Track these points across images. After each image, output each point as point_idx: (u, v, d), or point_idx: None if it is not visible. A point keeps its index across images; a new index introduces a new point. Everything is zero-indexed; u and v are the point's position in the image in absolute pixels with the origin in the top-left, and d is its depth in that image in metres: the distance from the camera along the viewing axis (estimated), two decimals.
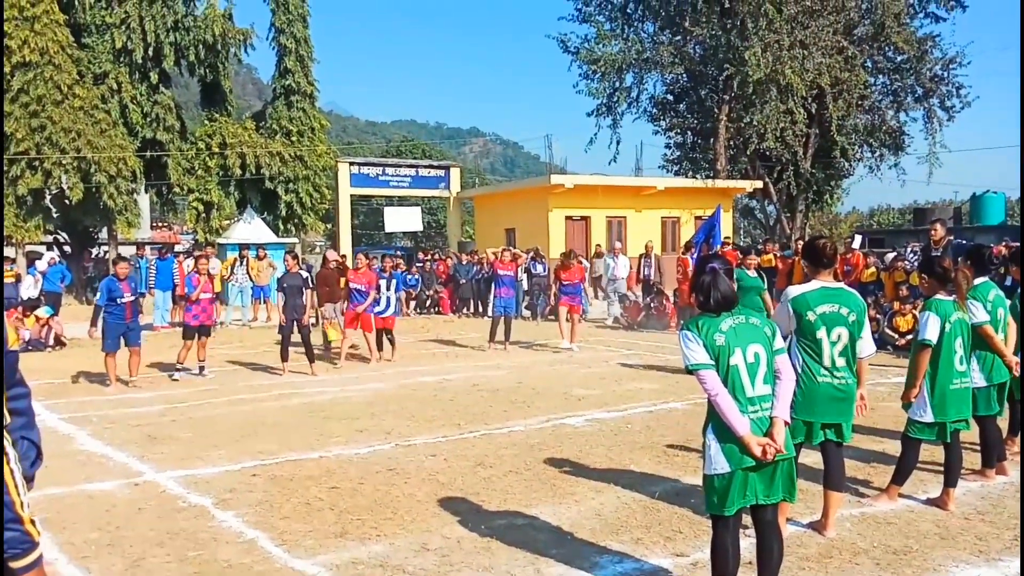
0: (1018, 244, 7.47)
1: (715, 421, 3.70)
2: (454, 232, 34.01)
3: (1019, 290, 6.71)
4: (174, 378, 11.52)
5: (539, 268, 20.77)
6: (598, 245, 24.24)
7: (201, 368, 11.92)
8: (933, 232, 12.45)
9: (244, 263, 19.82)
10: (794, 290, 4.84)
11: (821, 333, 4.69)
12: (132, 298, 11.10)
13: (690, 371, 3.70)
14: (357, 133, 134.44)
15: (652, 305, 18.07)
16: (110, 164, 24.40)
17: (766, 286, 9.83)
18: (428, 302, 23.05)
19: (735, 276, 8.91)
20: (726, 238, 20.94)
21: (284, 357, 12.05)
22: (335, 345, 13.76)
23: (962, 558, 4.52)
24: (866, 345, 4.82)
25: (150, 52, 25.98)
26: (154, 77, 26.46)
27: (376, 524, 5.25)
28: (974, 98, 31.30)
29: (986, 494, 5.69)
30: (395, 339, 13.59)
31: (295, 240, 27.86)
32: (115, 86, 25.75)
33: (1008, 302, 6.25)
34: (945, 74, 31.13)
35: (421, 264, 24.53)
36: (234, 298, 19.86)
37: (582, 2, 32.61)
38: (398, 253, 33.83)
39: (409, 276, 23.18)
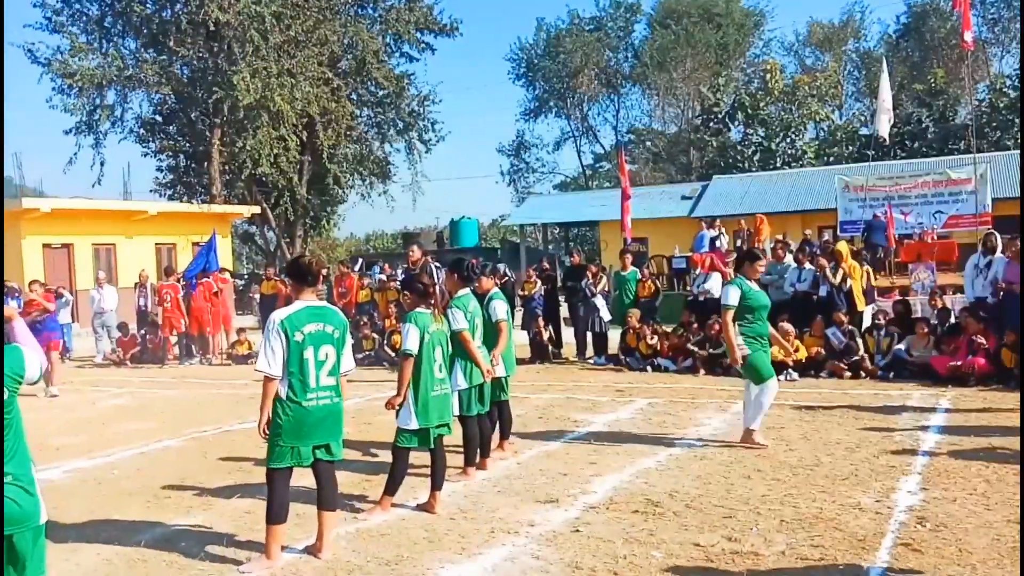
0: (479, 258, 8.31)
1: None
2: None
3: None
4: None
5: (12, 303, 18.03)
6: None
7: None
8: (411, 253, 13.42)
9: None
10: (280, 313, 4.68)
11: (308, 353, 4.61)
12: None
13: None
14: None
15: (147, 337, 16.72)
16: None
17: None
18: None
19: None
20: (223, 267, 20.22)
21: None
22: None
23: (448, 558, 4.73)
24: (347, 361, 4.86)
25: None
26: None
27: None
28: (447, 133, 35.09)
29: (468, 493, 6.09)
30: None
31: None
32: None
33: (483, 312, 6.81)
34: (421, 110, 34.16)
35: None
36: None
37: (52, 11, 29.18)
38: None
39: None
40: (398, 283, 15.40)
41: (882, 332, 11.33)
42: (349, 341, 4.93)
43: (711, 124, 41.80)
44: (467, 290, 6.64)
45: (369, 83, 32.83)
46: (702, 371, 11.91)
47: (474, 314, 6.50)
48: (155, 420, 9.87)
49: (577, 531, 5.14)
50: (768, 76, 40.46)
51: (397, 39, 33.37)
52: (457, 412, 6.24)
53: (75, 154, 30.15)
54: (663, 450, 7.20)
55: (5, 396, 3.14)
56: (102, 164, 30.55)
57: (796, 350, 11.24)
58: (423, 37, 33.72)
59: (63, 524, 5.63)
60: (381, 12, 32.90)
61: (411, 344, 5.44)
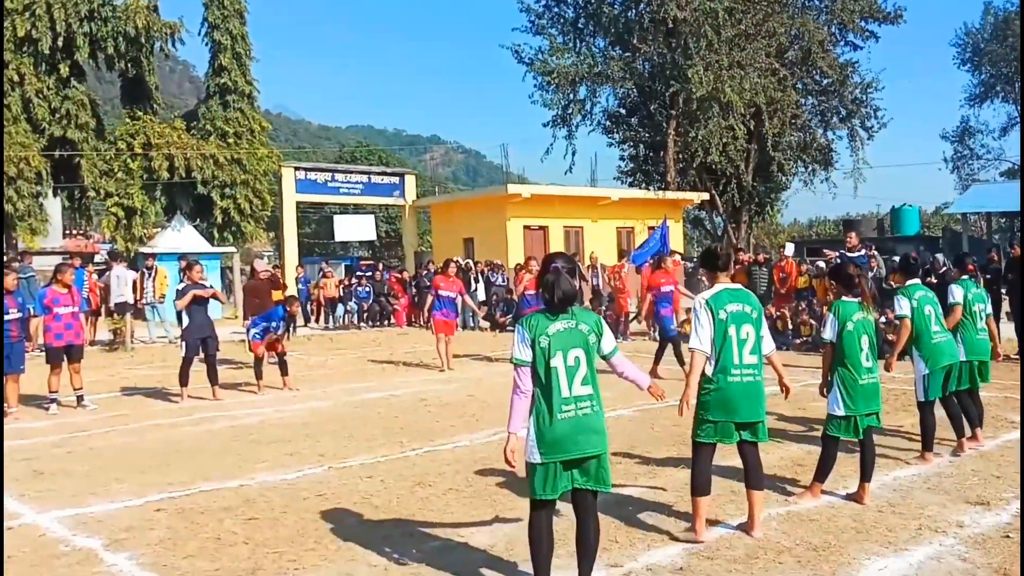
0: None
1: (535, 414, 3.83)
2: (411, 241, 31.68)
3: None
4: (50, 411, 9.51)
5: (497, 278, 20.77)
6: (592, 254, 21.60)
7: (79, 398, 9.76)
8: (848, 240, 13.14)
9: (153, 275, 17.13)
10: (705, 294, 4.88)
11: (731, 331, 4.72)
12: (19, 316, 9.25)
13: (513, 363, 3.87)
14: (309, 137, 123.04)
15: (607, 314, 18.04)
16: (9, 164, 20.73)
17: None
18: (380, 314, 22.20)
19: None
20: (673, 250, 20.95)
21: (183, 382, 10.17)
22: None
23: (874, 550, 4.61)
24: (767, 342, 4.90)
25: (59, 42, 22.48)
26: (64, 70, 22.94)
27: (295, 557, 4.65)
28: (889, 119, 32.57)
29: (897, 487, 5.82)
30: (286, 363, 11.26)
31: (232, 250, 25.34)
32: (16, 78, 22.00)
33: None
34: (864, 97, 32.14)
35: (371, 275, 23.44)
36: (151, 315, 17.49)
37: (535, 15, 32.23)
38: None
39: (359, 288, 22.33)
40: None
41: None
42: (765, 323, 4.92)
43: None
44: (916, 280, 6.69)
45: (814, 72, 31.68)
46: None
47: (921, 302, 6.49)
48: (611, 391, 10.57)
49: (1007, 537, 4.70)
50: None
51: (842, 28, 31.85)
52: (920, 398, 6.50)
53: (551, 145, 33.07)
54: None
55: (592, 340, 3.88)
56: (573, 154, 32.78)
57: None
58: (867, 25, 31.87)
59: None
60: (827, 3, 31.58)
61: (829, 334, 5.46)
